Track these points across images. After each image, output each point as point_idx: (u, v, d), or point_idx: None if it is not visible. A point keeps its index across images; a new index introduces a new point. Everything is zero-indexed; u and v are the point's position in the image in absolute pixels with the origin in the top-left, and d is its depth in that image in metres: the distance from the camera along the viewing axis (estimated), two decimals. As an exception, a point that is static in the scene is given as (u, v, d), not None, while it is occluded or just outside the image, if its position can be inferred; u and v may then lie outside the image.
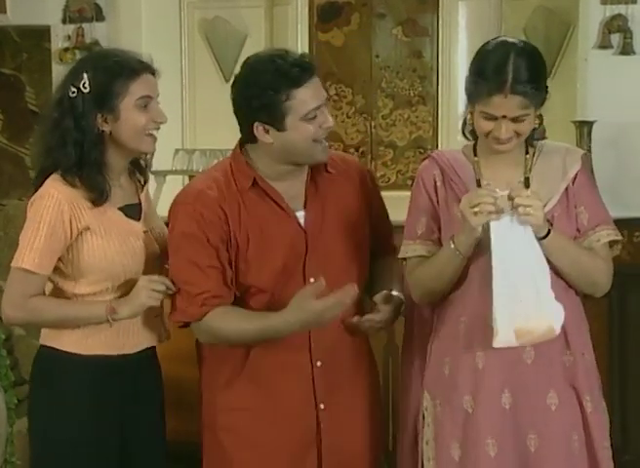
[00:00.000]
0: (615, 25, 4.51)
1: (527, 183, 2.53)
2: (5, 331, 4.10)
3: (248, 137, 2.61)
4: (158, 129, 2.66)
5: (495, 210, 2.36)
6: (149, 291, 2.61)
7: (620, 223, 4.07)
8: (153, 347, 2.77)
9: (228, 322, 2.56)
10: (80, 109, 2.58)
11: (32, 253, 2.57)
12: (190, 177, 4.56)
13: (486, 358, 2.46)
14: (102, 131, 2.60)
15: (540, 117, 2.58)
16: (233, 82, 2.63)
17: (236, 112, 2.61)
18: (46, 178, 2.62)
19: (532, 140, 2.58)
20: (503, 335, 2.38)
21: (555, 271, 2.48)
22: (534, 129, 2.57)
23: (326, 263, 2.59)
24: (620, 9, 4.51)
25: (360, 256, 2.68)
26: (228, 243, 2.57)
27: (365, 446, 2.70)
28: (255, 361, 2.60)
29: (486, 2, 4.92)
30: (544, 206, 2.46)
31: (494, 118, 2.45)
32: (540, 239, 2.42)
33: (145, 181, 2.79)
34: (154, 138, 2.66)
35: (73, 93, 2.59)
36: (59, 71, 5.12)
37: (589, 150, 4.33)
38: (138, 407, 2.71)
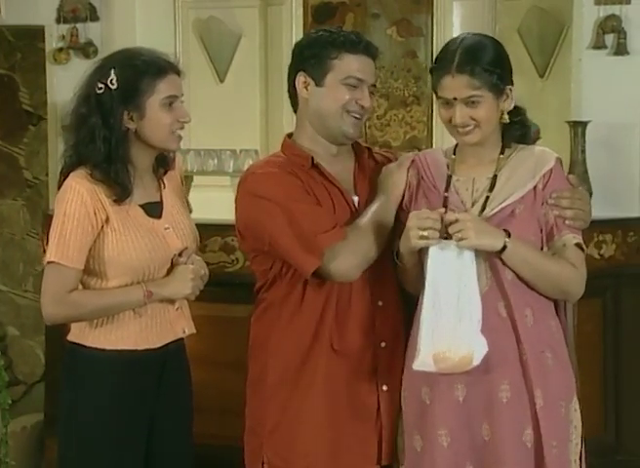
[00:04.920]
0: (609, 26, 4.51)
1: (494, 181, 2.55)
2: (-1, 331, 4.11)
3: (291, 95, 2.73)
4: (182, 128, 2.69)
5: (439, 236, 2.42)
6: (196, 283, 2.67)
7: (614, 223, 4.11)
8: (179, 343, 2.78)
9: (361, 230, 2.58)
10: (107, 106, 2.60)
11: (59, 246, 2.60)
12: (185, 178, 4.56)
13: None
14: (128, 128, 2.62)
15: (522, 114, 2.61)
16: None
17: (289, 66, 2.72)
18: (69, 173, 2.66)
19: (510, 140, 2.60)
20: (422, 358, 2.43)
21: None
22: (514, 126, 2.58)
23: None
24: (614, 9, 4.51)
25: None
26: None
27: None
28: (321, 342, 2.61)
29: (480, 2, 4.92)
30: (504, 201, 2.50)
31: (449, 104, 2.51)
32: (497, 253, 2.45)
33: (166, 171, 2.78)
34: (179, 137, 2.69)
35: (100, 89, 2.61)
36: (53, 71, 5.13)
37: (583, 150, 4.34)
38: (165, 403, 2.72)
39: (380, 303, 2.65)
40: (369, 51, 2.67)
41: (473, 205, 2.54)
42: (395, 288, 2.67)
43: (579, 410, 2.58)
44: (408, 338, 2.62)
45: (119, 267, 2.63)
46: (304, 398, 2.63)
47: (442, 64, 2.52)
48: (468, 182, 2.57)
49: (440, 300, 2.43)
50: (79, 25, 5.11)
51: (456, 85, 2.49)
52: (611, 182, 4.36)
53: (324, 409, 2.63)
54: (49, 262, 2.62)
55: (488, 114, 2.51)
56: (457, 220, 2.41)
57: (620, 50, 4.51)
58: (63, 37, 5.13)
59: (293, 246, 2.56)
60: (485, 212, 2.51)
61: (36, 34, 5.17)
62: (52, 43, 5.15)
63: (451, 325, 2.41)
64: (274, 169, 2.66)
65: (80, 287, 2.67)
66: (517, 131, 2.61)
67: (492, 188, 2.54)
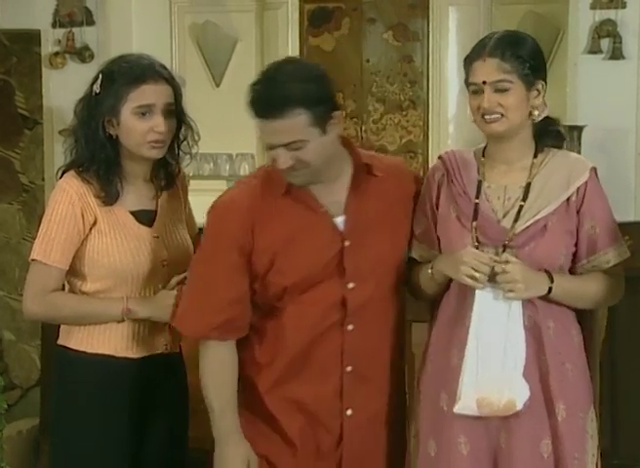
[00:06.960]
0: (604, 30, 4.52)
1: (527, 190, 2.52)
2: (-5, 336, 4.11)
3: None
4: (162, 138, 2.66)
5: (485, 280, 2.42)
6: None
7: (610, 228, 4.10)
8: (171, 355, 2.77)
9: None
10: (93, 109, 2.64)
11: (42, 245, 2.63)
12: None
13: (461, 357, 2.47)
14: (110, 133, 2.64)
15: (557, 124, 2.61)
16: None
17: None
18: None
19: (542, 145, 2.57)
20: (466, 402, 2.43)
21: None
22: (549, 134, 2.57)
23: (366, 268, 2.55)
24: (610, 14, 4.52)
25: (401, 260, 2.65)
26: (252, 253, 2.54)
27: (387, 455, 2.66)
28: (287, 366, 2.58)
29: (476, 7, 4.93)
30: (537, 214, 2.48)
31: (479, 90, 2.49)
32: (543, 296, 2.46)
33: (168, 186, 2.78)
34: (158, 146, 2.66)
35: (92, 92, 2.66)
36: (49, 75, 5.13)
37: (579, 154, 4.34)
38: (154, 408, 2.72)
39: (351, 327, 2.56)
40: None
41: (505, 215, 2.51)
42: (373, 312, 2.58)
43: (595, 420, 2.57)
44: (384, 361, 2.61)
45: (102, 269, 2.64)
46: (265, 418, 2.59)
47: (475, 51, 2.52)
48: (500, 190, 2.53)
49: (485, 345, 2.42)
50: (75, 30, 5.10)
51: (486, 68, 2.47)
52: (606, 187, 4.31)
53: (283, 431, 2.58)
54: (32, 260, 2.65)
55: (516, 102, 2.48)
56: (504, 271, 2.40)
57: (616, 54, 4.52)
58: (59, 41, 5.11)
59: (186, 297, 2.60)
60: (518, 224, 2.48)
61: (32, 38, 5.17)
62: (48, 47, 5.13)
63: (496, 370, 2.41)
64: (233, 205, 2.58)
65: (67, 287, 2.69)
66: (551, 140, 2.59)
67: (525, 198, 2.51)
